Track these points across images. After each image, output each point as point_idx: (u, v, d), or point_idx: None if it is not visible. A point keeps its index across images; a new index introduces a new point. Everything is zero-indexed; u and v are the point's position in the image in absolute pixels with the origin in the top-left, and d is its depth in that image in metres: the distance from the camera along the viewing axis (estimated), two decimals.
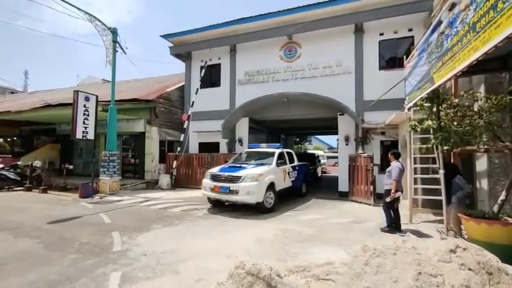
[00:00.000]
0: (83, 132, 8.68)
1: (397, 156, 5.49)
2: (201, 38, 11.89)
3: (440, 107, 4.92)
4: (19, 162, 11.46)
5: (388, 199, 5.18)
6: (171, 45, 12.61)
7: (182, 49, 12.47)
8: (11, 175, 10.37)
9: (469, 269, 2.15)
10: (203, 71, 11.77)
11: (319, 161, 16.75)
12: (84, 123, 8.70)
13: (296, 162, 8.59)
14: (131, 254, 3.87)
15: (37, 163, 10.47)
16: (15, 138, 15.88)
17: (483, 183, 5.21)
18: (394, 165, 5.28)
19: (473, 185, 5.47)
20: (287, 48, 10.71)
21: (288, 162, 8.02)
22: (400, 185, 5.22)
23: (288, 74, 10.58)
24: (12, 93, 29.64)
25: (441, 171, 4.85)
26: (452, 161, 5.04)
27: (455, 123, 4.69)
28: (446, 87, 5.81)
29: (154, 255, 3.85)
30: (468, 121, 4.49)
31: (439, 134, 4.59)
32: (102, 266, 3.48)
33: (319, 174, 15.93)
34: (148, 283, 3.04)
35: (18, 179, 10.37)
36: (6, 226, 5.26)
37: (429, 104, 5.08)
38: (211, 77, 12.11)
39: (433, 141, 4.71)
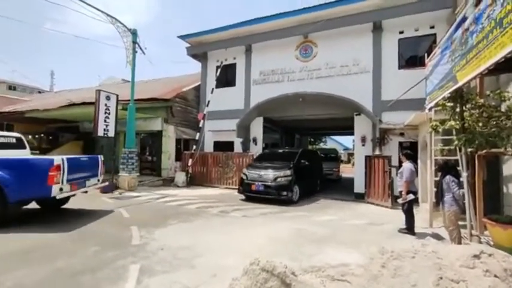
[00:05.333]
0: (104, 130, 9.02)
1: (409, 156, 5.33)
2: (217, 38, 12.03)
3: (464, 107, 4.72)
4: None
5: (400, 201, 5.08)
6: (188, 45, 12.85)
7: (199, 49, 12.68)
8: None
9: (495, 276, 2.05)
10: (219, 70, 11.90)
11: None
12: (105, 121, 9.04)
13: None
14: (149, 248, 4.00)
15: None
16: (42, 135, 16.80)
17: (510, 188, 4.94)
18: (406, 166, 5.13)
19: (499, 190, 5.19)
20: (303, 47, 10.61)
21: None
22: (413, 186, 5.06)
23: (303, 73, 10.48)
24: (39, 92, 31.32)
25: (464, 174, 4.65)
26: (476, 164, 4.83)
27: (480, 124, 4.48)
28: (470, 87, 5.55)
29: (171, 249, 3.95)
30: (495, 122, 4.27)
31: (462, 135, 4.40)
32: (121, 258, 3.62)
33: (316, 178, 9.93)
34: (165, 276, 3.13)
35: None
36: (33, 219, 5.58)
37: (452, 104, 4.88)
38: (226, 77, 12.22)
39: (456, 142, 4.52)
